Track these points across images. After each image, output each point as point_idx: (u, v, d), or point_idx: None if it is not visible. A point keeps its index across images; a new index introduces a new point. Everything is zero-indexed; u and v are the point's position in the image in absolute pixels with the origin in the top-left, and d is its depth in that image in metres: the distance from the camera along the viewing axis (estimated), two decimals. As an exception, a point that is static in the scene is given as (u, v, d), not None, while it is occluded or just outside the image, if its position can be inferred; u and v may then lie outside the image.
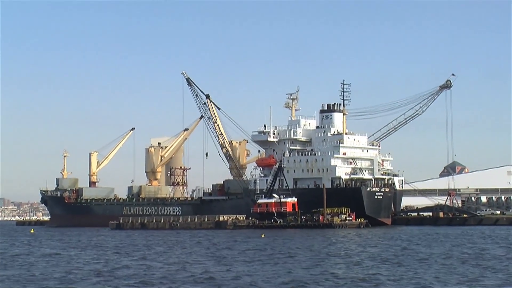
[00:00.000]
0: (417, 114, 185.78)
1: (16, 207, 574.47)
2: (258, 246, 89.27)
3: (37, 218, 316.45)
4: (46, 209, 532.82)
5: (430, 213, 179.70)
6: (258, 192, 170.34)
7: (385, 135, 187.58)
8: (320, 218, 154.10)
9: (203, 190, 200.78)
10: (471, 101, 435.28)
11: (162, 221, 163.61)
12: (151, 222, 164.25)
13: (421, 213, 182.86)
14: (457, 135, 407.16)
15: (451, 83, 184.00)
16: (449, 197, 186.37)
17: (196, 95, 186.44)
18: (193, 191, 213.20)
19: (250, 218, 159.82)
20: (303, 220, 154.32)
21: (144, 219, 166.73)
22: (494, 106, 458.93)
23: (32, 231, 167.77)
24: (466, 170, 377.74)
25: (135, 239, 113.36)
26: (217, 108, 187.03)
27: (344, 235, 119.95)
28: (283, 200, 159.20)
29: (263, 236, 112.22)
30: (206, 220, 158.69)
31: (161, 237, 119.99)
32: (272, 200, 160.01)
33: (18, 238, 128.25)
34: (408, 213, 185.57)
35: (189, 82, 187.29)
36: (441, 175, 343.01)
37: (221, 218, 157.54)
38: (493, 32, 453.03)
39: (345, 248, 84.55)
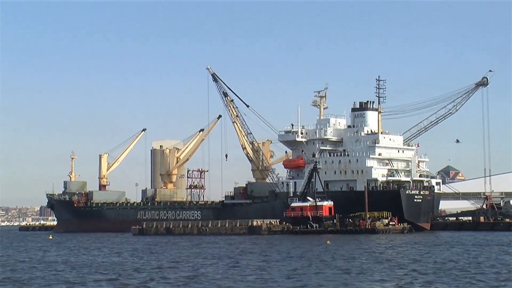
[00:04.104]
0: (450, 113, 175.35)
1: (4, 212, 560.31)
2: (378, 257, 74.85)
3: (43, 223, 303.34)
4: (36, 214, 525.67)
5: (470, 218, 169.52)
6: (291, 195, 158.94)
7: (414, 135, 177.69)
8: (361, 223, 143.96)
9: (224, 193, 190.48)
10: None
11: (190, 226, 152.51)
12: (177, 227, 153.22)
13: (460, 218, 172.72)
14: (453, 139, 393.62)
15: (487, 80, 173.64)
16: (486, 201, 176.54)
17: (223, 92, 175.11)
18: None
19: (284, 222, 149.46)
20: (343, 225, 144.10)
21: (170, 224, 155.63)
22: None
23: (50, 237, 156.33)
24: (460, 175, 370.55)
25: (205, 247, 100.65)
26: (245, 106, 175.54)
27: (418, 241, 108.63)
28: (318, 203, 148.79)
29: (328, 242, 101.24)
30: (238, 225, 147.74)
31: (220, 244, 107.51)
32: (307, 204, 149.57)
33: (60, 246, 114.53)
34: (446, 218, 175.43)
35: (214, 78, 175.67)
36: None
37: (254, 223, 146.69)
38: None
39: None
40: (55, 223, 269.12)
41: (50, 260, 78.97)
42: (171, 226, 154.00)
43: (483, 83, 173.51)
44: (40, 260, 79.32)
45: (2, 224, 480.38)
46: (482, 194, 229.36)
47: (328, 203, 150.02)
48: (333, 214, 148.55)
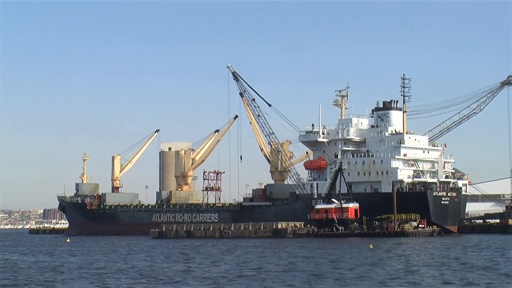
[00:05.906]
0: (474, 113, 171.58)
1: (7, 215, 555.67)
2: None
3: (53, 226, 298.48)
4: (39, 217, 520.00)
5: (498, 220, 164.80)
6: (316, 197, 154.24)
7: (436, 136, 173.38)
8: (389, 225, 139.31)
9: (239, 195, 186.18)
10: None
11: (211, 229, 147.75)
12: (198, 230, 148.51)
13: (487, 220, 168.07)
14: (456, 141, 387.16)
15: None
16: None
17: (244, 91, 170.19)
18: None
19: (308, 225, 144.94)
20: (371, 227, 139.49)
21: (190, 227, 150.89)
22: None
23: (68, 240, 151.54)
24: (466, 177, 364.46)
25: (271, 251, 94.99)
26: (267, 105, 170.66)
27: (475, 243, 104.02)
28: (344, 205, 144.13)
29: (371, 246, 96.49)
30: (262, 228, 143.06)
31: (273, 250, 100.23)
32: (332, 206, 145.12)
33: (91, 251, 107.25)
34: (473, 220, 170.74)
35: (235, 76, 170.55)
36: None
37: (279, 226, 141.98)
38: None
39: None
40: (61, 226, 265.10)
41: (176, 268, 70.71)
42: (191, 229, 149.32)
43: (509, 82, 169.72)
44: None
45: (6, 227, 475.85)
46: (501, 196, 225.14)
47: (353, 205, 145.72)
48: (358, 216, 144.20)
